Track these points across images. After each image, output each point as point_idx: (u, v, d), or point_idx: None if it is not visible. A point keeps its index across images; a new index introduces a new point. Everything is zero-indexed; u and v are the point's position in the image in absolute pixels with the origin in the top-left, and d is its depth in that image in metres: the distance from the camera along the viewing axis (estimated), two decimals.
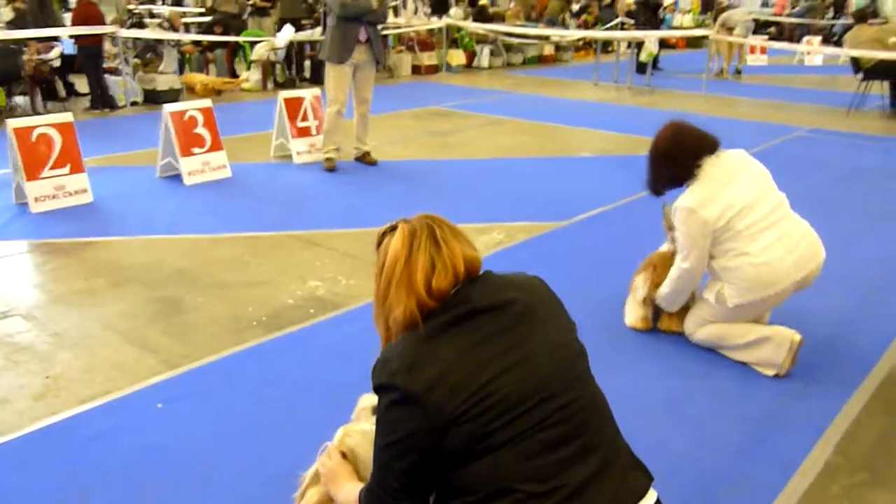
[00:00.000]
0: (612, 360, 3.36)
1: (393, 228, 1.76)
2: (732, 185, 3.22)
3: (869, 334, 3.67)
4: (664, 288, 3.51)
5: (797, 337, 3.21)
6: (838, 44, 15.26)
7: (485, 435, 1.56)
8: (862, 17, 11.15)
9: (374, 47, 6.62)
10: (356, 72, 6.69)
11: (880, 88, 10.28)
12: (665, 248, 3.75)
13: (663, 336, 3.61)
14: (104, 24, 9.68)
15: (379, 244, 1.78)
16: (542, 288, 1.81)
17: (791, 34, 22.23)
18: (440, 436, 1.56)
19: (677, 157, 3.32)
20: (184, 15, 14.08)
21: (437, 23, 14.39)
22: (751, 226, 3.18)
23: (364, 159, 6.98)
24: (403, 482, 1.60)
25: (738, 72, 14.46)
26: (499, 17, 16.16)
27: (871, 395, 3.12)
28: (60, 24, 10.29)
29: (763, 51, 16.36)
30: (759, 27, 21.10)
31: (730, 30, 14.11)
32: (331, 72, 6.63)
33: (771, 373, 3.25)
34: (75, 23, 9.48)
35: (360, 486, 1.82)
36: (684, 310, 3.55)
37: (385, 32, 13.37)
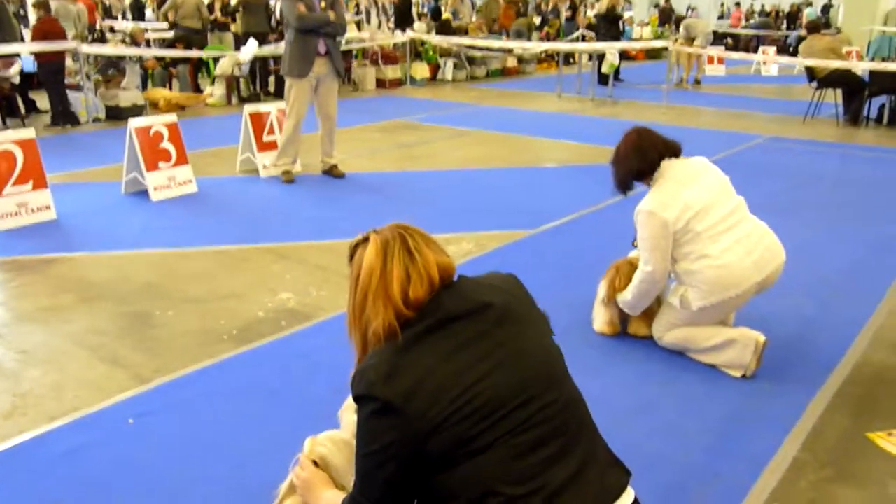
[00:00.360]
0: (584, 366, 3.38)
1: (365, 240, 1.75)
2: (691, 187, 3.31)
3: (830, 334, 3.77)
4: (627, 293, 3.57)
5: (762, 338, 3.29)
6: (793, 54, 15.67)
7: (466, 440, 1.56)
8: (815, 27, 11.46)
9: (333, 60, 6.64)
10: (318, 86, 6.71)
11: (834, 97, 10.56)
12: (633, 254, 3.81)
13: (632, 340, 3.67)
14: (65, 39, 9.57)
15: (352, 256, 1.77)
16: (516, 287, 1.83)
17: (747, 45, 22.76)
18: (421, 443, 1.56)
19: (643, 150, 3.43)
20: (146, 31, 13.97)
21: (400, 37, 14.46)
22: (709, 228, 3.26)
23: (331, 172, 6.98)
24: (385, 491, 1.60)
25: (698, 81, 14.76)
26: (461, 31, 16.29)
27: (834, 392, 3.21)
28: (19, 40, 10.14)
29: (721, 61, 16.72)
30: (717, 38, 21.58)
31: (691, 40, 14.40)
32: (292, 86, 6.65)
33: (738, 374, 3.33)
34: (35, 38, 9.36)
35: (339, 493, 1.82)
36: (652, 314, 3.62)
37: (349, 47, 13.40)
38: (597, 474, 1.67)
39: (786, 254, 3.43)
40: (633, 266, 3.65)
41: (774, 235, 3.42)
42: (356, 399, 1.63)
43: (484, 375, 1.60)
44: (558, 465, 1.61)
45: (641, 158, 3.43)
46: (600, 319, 3.76)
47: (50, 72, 9.34)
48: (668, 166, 3.39)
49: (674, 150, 3.44)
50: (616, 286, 3.65)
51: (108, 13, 17.98)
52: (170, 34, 12.68)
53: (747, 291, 3.30)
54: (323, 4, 6.55)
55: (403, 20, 15.57)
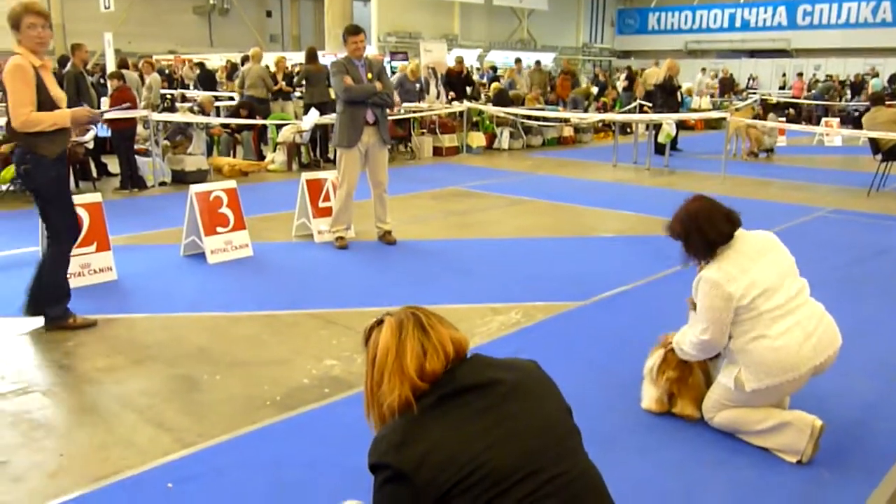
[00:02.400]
0: (629, 445, 3.30)
1: (380, 322, 1.84)
2: (760, 263, 3.21)
3: (893, 421, 3.58)
4: (684, 344, 3.41)
5: (818, 423, 3.15)
6: (857, 124, 15.40)
7: None
8: (879, 99, 11.28)
9: (380, 129, 6.81)
10: (367, 155, 6.86)
11: None
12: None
13: (681, 419, 3.55)
14: (137, 107, 10.04)
15: (367, 339, 1.87)
16: (534, 370, 1.87)
17: (810, 115, 22.50)
18: None
19: (712, 218, 3.30)
20: (217, 99, 14.61)
21: (458, 106, 14.75)
22: (773, 309, 3.16)
23: (384, 238, 7.07)
24: None
25: (771, 150, 14.49)
26: (519, 100, 16.54)
27: None
28: (97, 108, 10.68)
29: (782, 132, 16.54)
30: (778, 109, 21.39)
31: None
32: (342, 156, 6.86)
33: (793, 459, 3.18)
34: (112, 106, 9.83)
35: None
36: (701, 395, 3.50)
37: (408, 116, 13.73)
38: None
39: (845, 332, 3.31)
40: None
41: (832, 319, 3.30)
42: (371, 468, 1.71)
43: (492, 445, 1.64)
44: None
45: (724, 225, 3.29)
46: (648, 397, 3.66)
47: (122, 138, 9.80)
48: (739, 237, 3.30)
49: (738, 221, 3.35)
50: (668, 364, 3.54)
51: (181, 83, 18.89)
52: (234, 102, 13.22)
53: (803, 376, 3.18)
54: (370, 75, 6.77)
55: (459, 90, 15.87)
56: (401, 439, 1.66)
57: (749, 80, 32.94)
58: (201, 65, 20.49)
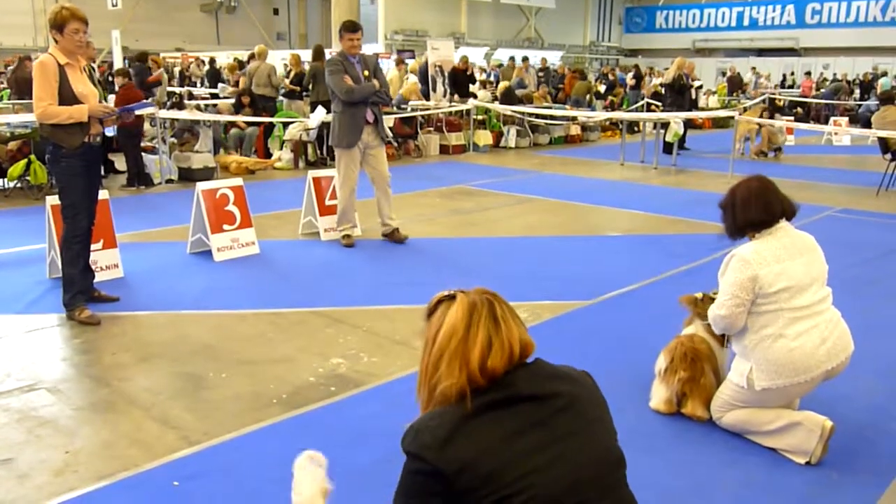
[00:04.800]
0: (637, 444, 3.27)
1: (451, 297, 1.70)
2: (795, 261, 3.18)
3: None
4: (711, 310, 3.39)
5: (829, 423, 3.12)
6: (866, 124, 15.31)
7: None
8: (889, 98, 11.21)
9: (379, 127, 6.77)
10: (367, 153, 6.81)
11: None
12: (692, 329, 3.70)
13: (690, 419, 3.53)
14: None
15: (431, 312, 1.72)
16: (590, 385, 1.75)
17: (818, 115, 22.40)
18: None
19: (768, 202, 3.27)
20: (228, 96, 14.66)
21: (465, 105, 14.72)
22: (795, 309, 3.14)
23: (393, 236, 7.04)
24: None
25: (779, 149, 14.41)
26: (527, 99, 16.50)
27: None
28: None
29: (790, 131, 16.45)
30: (787, 108, 21.32)
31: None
32: (341, 156, 6.79)
33: (802, 460, 3.15)
34: (118, 104, 9.85)
35: None
36: (708, 394, 3.48)
37: (414, 114, 13.71)
38: None
39: (854, 332, 3.29)
40: (693, 341, 3.55)
41: (845, 325, 3.27)
42: (407, 453, 1.59)
43: (541, 468, 1.53)
44: None
45: (764, 210, 3.26)
46: (658, 397, 3.63)
47: (128, 136, 9.80)
48: (783, 228, 3.26)
49: (793, 212, 3.32)
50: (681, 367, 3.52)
51: (189, 81, 18.93)
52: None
53: (815, 379, 3.15)
54: (367, 73, 6.68)
55: (463, 90, 15.82)
56: (446, 436, 1.54)
57: (757, 79, 32.79)
58: (212, 60, 20.54)
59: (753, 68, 28.25)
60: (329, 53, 16.11)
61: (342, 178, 6.85)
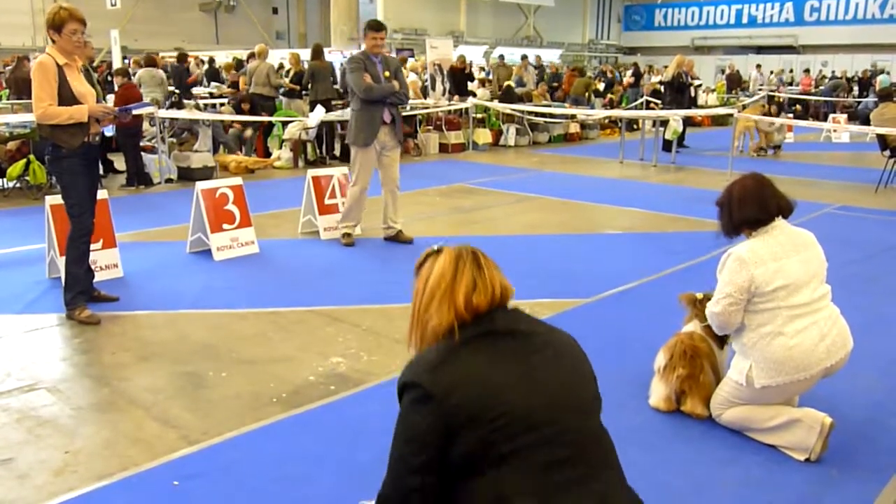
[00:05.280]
0: (636, 441, 3.28)
1: (437, 251, 1.96)
2: (793, 258, 3.18)
3: None
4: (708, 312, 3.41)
5: (828, 420, 3.13)
6: (865, 121, 15.31)
7: (490, 444, 1.66)
8: (887, 95, 11.20)
9: (395, 128, 6.77)
10: (381, 154, 6.81)
11: None
12: (691, 327, 3.70)
13: (689, 417, 3.53)
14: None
15: (420, 266, 1.98)
16: (568, 338, 1.94)
17: (817, 112, 22.39)
18: (451, 437, 1.67)
19: (763, 199, 3.27)
20: (222, 95, 14.64)
21: (464, 103, 14.72)
22: (793, 307, 3.14)
23: (398, 238, 7.01)
24: (420, 480, 1.70)
25: (778, 147, 14.39)
26: (526, 97, 16.49)
27: None
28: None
29: (789, 128, 16.44)
30: (786, 105, 21.31)
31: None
32: (357, 154, 6.77)
33: (801, 457, 3.15)
34: (117, 104, 9.85)
35: None
36: (707, 392, 3.48)
37: (414, 112, 13.70)
38: None
39: (853, 329, 3.29)
40: (693, 339, 3.55)
41: (845, 322, 3.27)
42: (401, 387, 1.78)
43: (518, 388, 1.71)
44: (578, 491, 1.68)
45: (760, 208, 3.26)
46: (657, 395, 3.63)
47: (128, 135, 9.80)
48: (779, 225, 3.26)
49: (790, 210, 3.31)
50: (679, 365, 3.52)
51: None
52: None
53: (814, 376, 3.16)
54: (387, 73, 6.67)
55: (461, 88, 15.81)
56: (437, 362, 1.74)
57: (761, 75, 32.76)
58: (211, 60, 20.51)
59: (758, 66, 28.22)
60: (328, 52, 16.14)
61: (356, 175, 6.81)
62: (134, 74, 12.66)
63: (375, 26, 6.70)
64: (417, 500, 1.72)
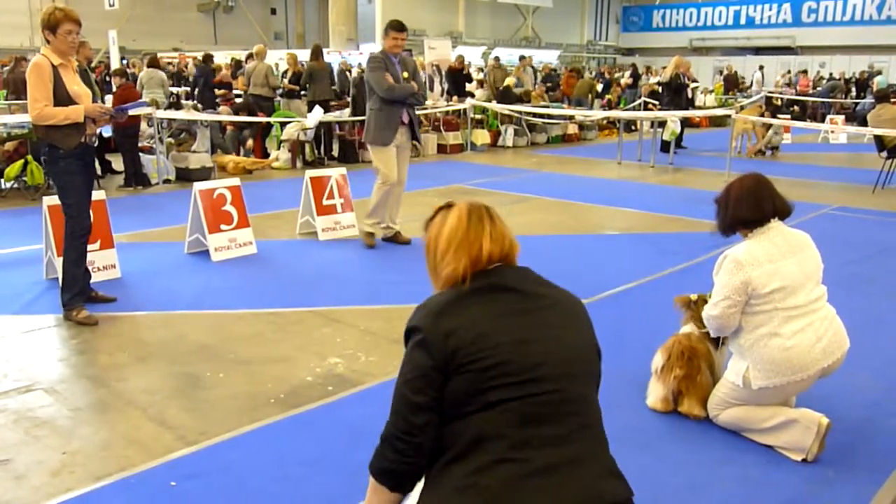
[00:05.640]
0: (633, 441, 3.29)
1: (448, 206, 2.02)
2: (789, 260, 3.19)
3: None
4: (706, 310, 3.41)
5: (825, 420, 3.13)
6: (863, 122, 15.34)
7: (479, 391, 1.73)
8: (884, 96, 11.23)
9: (413, 128, 6.77)
10: (398, 152, 6.76)
11: None
12: (688, 328, 3.71)
13: (686, 418, 3.53)
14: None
15: (431, 220, 2.03)
16: (577, 302, 2.00)
17: (815, 113, 22.42)
18: (448, 377, 1.75)
19: (759, 200, 3.28)
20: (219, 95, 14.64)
21: (462, 104, 14.72)
22: (790, 308, 3.14)
23: (396, 239, 6.99)
24: (422, 418, 1.77)
25: (776, 148, 14.39)
26: (525, 97, 16.49)
27: None
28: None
29: (787, 129, 16.46)
30: (784, 106, 21.34)
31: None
32: (377, 153, 6.71)
33: (798, 458, 3.16)
34: (115, 104, 9.84)
35: None
36: (704, 393, 3.49)
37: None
38: (596, 473, 1.76)
39: (850, 329, 3.30)
40: (691, 339, 3.56)
41: (841, 323, 3.28)
42: (408, 330, 1.87)
43: (515, 342, 1.77)
44: (557, 447, 1.73)
45: (755, 209, 3.27)
46: (654, 395, 3.64)
47: (126, 136, 9.79)
48: (776, 227, 3.27)
49: (787, 212, 3.32)
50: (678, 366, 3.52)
51: (186, 81, 18.89)
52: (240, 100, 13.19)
53: (811, 377, 3.16)
54: (405, 74, 6.63)
55: (458, 88, 15.81)
56: (440, 309, 1.82)
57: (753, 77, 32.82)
58: (209, 57, 20.50)
59: (761, 67, 28.25)
60: (327, 53, 16.13)
61: (382, 174, 6.71)
62: (130, 75, 12.67)
63: (399, 27, 6.65)
64: (419, 437, 1.79)
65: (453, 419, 1.77)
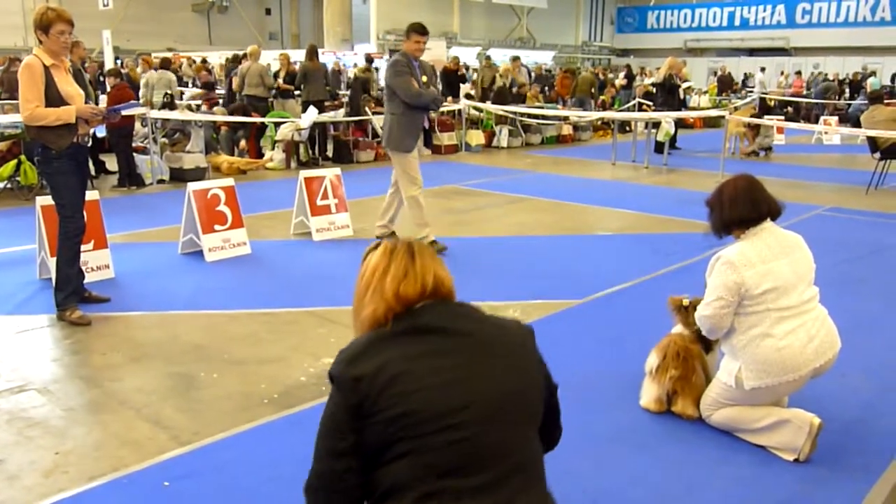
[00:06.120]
0: (626, 441, 3.29)
1: (377, 246, 1.96)
2: (781, 261, 3.20)
3: (891, 419, 3.57)
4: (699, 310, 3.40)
5: (817, 421, 3.14)
6: (856, 123, 15.39)
7: (390, 441, 1.66)
8: (878, 97, 11.28)
9: (427, 133, 6.76)
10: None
11: None
12: (680, 329, 3.72)
13: (680, 418, 3.54)
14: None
15: (364, 258, 1.98)
16: (517, 334, 1.89)
17: (809, 114, 22.49)
18: (362, 425, 1.68)
19: (755, 201, 3.28)
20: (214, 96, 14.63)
21: (457, 104, 14.72)
22: (782, 309, 3.15)
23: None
24: (343, 464, 1.71)
25: (770, 149, 14.41)
26: (520, 97, 16.50)
27: (895, 483, 3.02)
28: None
29: (780, 130, 16.50)
30: (777, 107, 21.39)
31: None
32: (402, 161, 6.57)
33: (790, 458, 3.17)
34: (109, 105, 9.82)
35: None
36: (698, 393, 3.50)
37: None
38: None
39: (843, 330, 3.32)
40: (685, 340, 3.57)
41: (832, 323, 3.30)
42: (329, 376, 1.78)
43: (430, 387, 1.68)
44: (478, 497, 1.64)
45: (752, 208, 3.27)
46: (648, 396, 3.64)
47: (120, 136, 9.77)
48: (768, 228, 3.28)
49: (778, 212, 3.33)
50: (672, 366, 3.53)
51: (180, 81, 18.85)
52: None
53: (804, 377, 3.18)
54: (424, 78, 6.54)
55: (454, 88, 15.82)
56: (357, 354, 1.74)
57: (746, 79, 32.93)
58: (204, 60, 20.51)
59: (762, 68, 28.35)
60: (322, 53, 16.11)
61: (408, 181, 6.58)
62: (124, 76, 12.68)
63: (422, 29, 6.49)
64: (340, 485, 1.74)
65: (375, 467, 1.70)
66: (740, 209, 3.30)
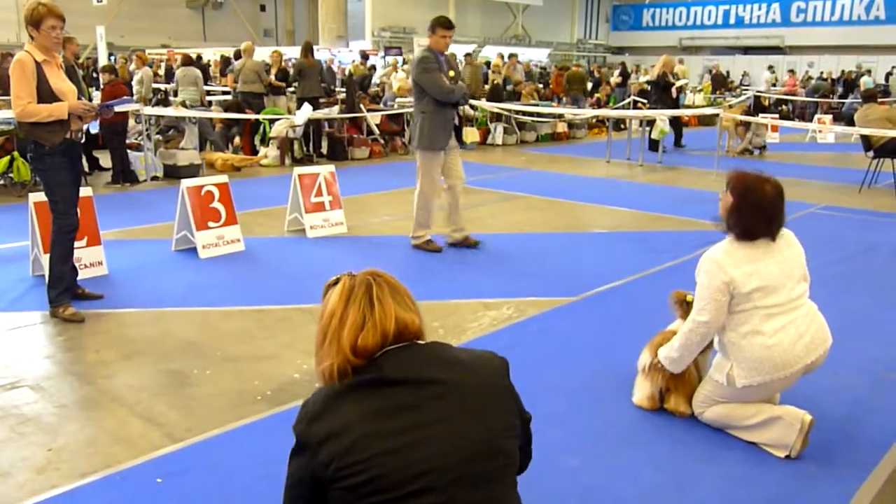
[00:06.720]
0: (619, 439, 3.30)
1: (337, 281, 1.82)
2: (769, 259, 3.20)
3: (883, 416, 3.59)
4: (672, 345, 3.39)
5: (808, 417, 3.16)
6: (850, 122, 15.42)
7: None
8: (871, 96, 11.30)
9: (457, 128, 6.69)
10: (446, 154, 6.61)
11: (892, 166, 10.33)
12: (675, 325, 3.72)
13: (672, 415, 3.55)
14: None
15: (324, 295, 1.84)
16: (488, 373, 1.76)
17: (803, 112, 22.55)
18: (322, 491, 1.62)
19: (775, 214, 3.23)
20: (209, 93, 14.60)
21: None
22: (771, 306, 3.16)
23: (466, 242, 6.78)
24: None
25: (763, 147, 14.43)
26: (515, 95, 16.49)
27: (885, 479, 3.04)
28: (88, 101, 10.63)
29: (774, 129, 16.52)
30: (772, 106, 21.45)
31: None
32: (427, 160, 6.49)
33: (782, 454, 3.19)
34: (104, 101, 9.79)
35: None
36: (691, 390, 3.51)
37: (402, 111, 13.69)
38: None
39: (835, 328, 3.34)
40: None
41: (823, 318, 3.30)
42: (293, 432, 1.73)
43: (394, 449, 1.58)
44: None
45: (765, 227, 3.21)
46: (640, 393, 3.65)
47: (114, 132, 9.74)
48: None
49: (778, 232, 3.28)
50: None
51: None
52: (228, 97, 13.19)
53: (795, 374, 3.19)
54: (451, 73, 6.44)
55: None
56: (316, 413, 1.67)
57: (743, 76, 33.01)
58: (199, 57, 20.44)
59: (770, 67, 28.42)
60: (317, 50, 16.08)
61: (428, 182, 6.52)
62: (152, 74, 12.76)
63: (447, 24, 6.37)
64: None
65: None
66: (762, 221, 3.20)
